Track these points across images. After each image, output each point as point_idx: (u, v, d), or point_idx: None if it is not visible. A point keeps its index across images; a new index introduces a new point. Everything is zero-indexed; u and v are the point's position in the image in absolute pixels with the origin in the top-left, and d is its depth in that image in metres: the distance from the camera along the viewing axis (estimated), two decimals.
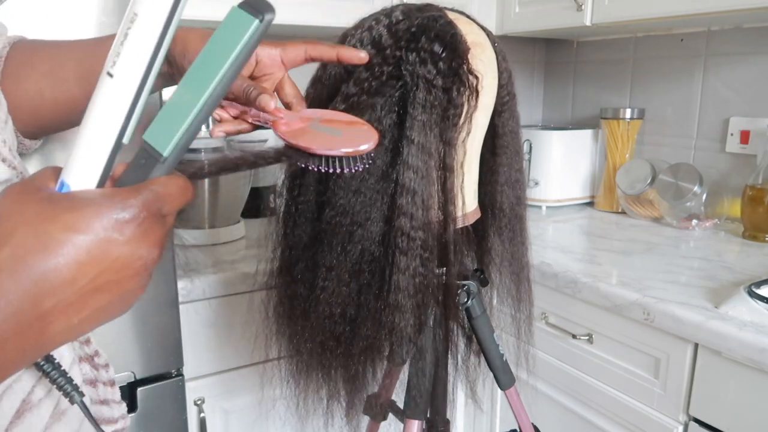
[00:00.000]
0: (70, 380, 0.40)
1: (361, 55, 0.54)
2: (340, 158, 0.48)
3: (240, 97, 0.54)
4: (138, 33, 0.32)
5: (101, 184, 0.34)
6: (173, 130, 0.34)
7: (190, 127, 0.34)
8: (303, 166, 0.49)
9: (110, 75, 0.33)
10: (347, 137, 0.50)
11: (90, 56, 0.57)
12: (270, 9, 0.33)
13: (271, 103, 0.52)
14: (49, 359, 0.40)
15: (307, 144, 0.48)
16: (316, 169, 0.49)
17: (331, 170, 0.48)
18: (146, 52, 0.32)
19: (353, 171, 0.49)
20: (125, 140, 0.34)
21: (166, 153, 0.34)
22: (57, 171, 0.34)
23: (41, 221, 0.30)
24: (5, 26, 0.59)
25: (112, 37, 0.55)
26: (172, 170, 0.35)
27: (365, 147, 0.49)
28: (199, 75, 0.33)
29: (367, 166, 0.51)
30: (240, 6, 0.33)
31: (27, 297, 0.30)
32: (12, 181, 0.45)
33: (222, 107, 0.57)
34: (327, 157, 0.48)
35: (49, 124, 0.61)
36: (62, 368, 0.40)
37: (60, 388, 0.40)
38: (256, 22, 0.33)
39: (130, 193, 0.32)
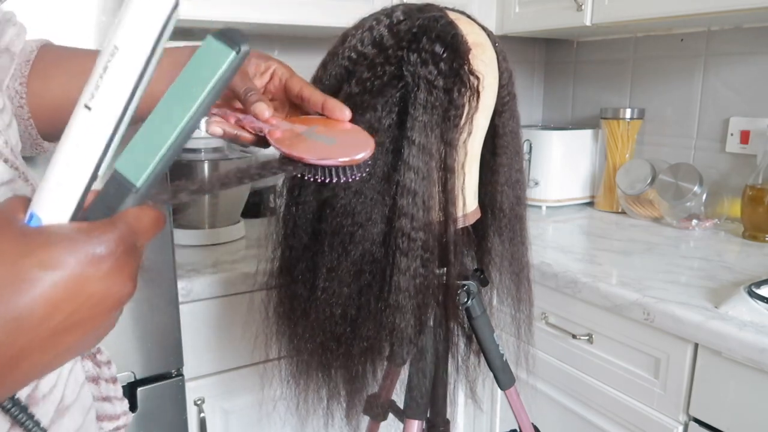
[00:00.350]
0: (31, 416, 0.39)
1: (345, 113, 0.54)
2: (337, 167, 0.48)
3: (239, 96, 0.53)
4: (119, 68, 0.32)
5: (74, 217, 0.33)
6: (147, 161, 0.33)
7: (164, 158, 0.33)
8: (301, 176, 0.49)
9: (88, 108, 0.32)
10: (343, 145, 0.50)
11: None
12: (245, 40, 0.32)
13: (266, 112, 0.51)
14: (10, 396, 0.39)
15: (300, 154, 0.47)
16: (313, 179, 0.48)
17: (328, 180, 0.48)
18: (127, 88, 0.32)
19: (350, 180, 0.49)
20: (100, 173, 0.33)
21: (139, 183, 0.33)
22: (24, 201, 0.33)
23: (15, 258, 0.29)
24: (24, 27, 0.59)
25: None
26: (144, 200, 0.34)
27: (361, 156, 0.48)
28: (173, 104, 0.33)
29: (363, 174, 0.50)
30: (215, 36, 0.33)
31: (0, 336, 0.29)
32: (15, 182, 0.45)
33: (222, 117, 0.56)
34: (324, 167, 0.48)
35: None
36: (22, 404, 0.39)
37: (22, 424, 0.39)
38: (233, 54, 0.32)
39: (106, 227, 0.31)
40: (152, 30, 0.32)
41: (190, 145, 1.26)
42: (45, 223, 0.32)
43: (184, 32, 1.45)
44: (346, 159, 0.47)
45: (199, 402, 1.10)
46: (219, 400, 1.14)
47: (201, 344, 1.09)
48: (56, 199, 0.33)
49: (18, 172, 0.46)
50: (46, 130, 0.60)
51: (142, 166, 0.33)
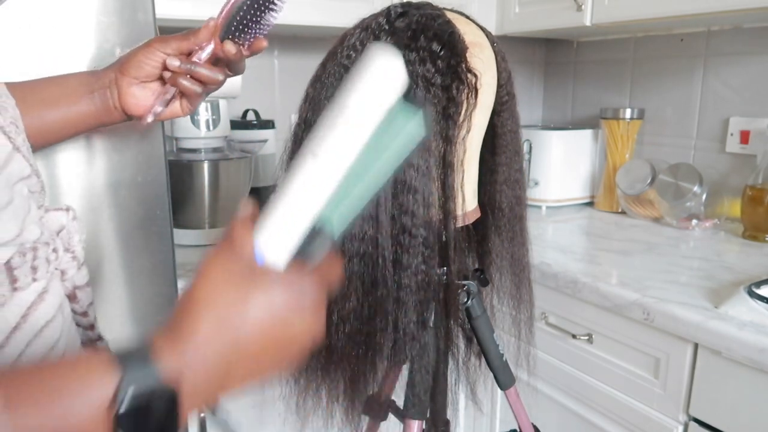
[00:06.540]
0: None
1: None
2: None
3: (192, 51, 0.66)
4: (348, 130, 0.35)
5: (290, 259, 0.37)
6: (347, 217, 0.36)
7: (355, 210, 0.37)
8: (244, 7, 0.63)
9: (315, 155, 0.35)
10: None
11: (93, 80, 0.67)
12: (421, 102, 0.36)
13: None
14: None
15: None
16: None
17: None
18: (353, 148, 0.35)
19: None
20: (318, 220, 0.37)
21: (335, 236, 0.37)
22: (251, 230, 0.37)
23: (246, 286, 0.35)
24: None
25: (90, 74, 0.66)
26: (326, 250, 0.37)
27: None
28: (371, 166, 0.35)
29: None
30: (405, 102, 0.35)
31: (224, 348, 0.34)
32: (31, 177, 0.50)
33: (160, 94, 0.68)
34: None
35: (55, 139, 0.69)
36: None
37: None
38: (420, 116, 0.36)
39: (320, 286, 0.37)
40: (385, 105, 0.35)
41: (191, 145, 1.26)
42: (267, 261, 0.36)
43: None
44: None
45: None
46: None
47: None
48: (279, 240, 0.36)
49: (32, 168, 0.50)
50: (35, 145, 0.64)
51: (343, 221, 0.36)
